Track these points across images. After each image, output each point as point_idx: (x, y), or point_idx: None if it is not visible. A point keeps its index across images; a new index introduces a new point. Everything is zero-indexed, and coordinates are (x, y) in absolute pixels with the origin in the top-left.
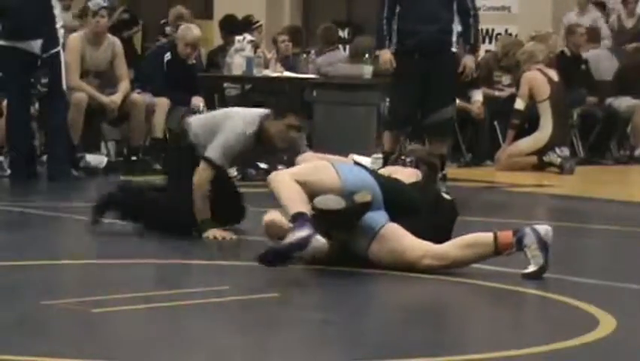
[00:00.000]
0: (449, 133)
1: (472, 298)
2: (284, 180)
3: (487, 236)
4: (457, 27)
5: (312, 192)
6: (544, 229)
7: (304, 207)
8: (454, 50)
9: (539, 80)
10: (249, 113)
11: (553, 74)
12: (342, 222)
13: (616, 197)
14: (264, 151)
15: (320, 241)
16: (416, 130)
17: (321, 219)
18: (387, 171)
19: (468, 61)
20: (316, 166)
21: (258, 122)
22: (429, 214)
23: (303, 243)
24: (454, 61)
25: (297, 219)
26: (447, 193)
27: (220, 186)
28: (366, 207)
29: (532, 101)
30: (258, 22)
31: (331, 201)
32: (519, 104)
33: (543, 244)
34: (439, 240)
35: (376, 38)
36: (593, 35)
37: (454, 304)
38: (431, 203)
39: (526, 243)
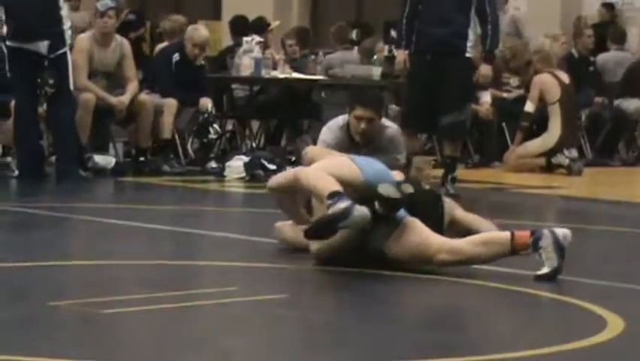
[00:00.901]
0: (460, 136)
1: (482, 299)
2: (312, 171)
3: (504, 235)
4: (473, 32)
5: None
6: (562, 232)
7: (339, 187)
8: (468, 54)
9: (550, 82)
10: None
11: (565, 77)
12: (392, 210)
13: (624, 198)
14: (361, 147)
15: (362, 209)
16: (430, 131)
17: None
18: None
19: (483, 69)
20: (338, 161)
21: (345, 121)
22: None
23: (347, 212)
24: (468, 65)
25: (334, 196)
26: (455, 195)
27: None
28: (409, 198)
29: (542, 103)
30: (270, 24)
31: (391, 190)
32: (529, 107)
33: (559, 247)
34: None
35: (397, 37)
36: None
37: (464, 306)
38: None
39: (542, 245)
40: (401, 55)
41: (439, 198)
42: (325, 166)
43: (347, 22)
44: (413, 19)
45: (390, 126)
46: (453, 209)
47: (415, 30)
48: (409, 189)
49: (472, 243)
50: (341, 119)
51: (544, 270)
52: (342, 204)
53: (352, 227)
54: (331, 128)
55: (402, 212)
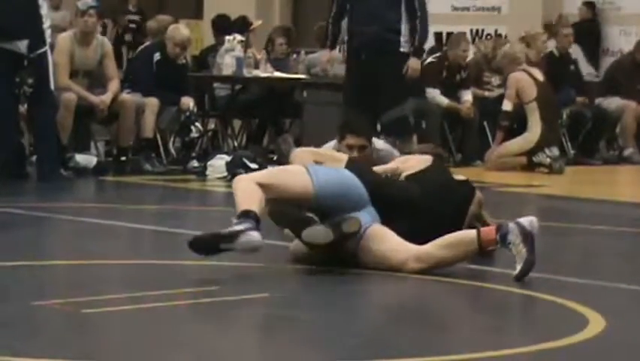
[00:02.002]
0: (406, 131)
1: (461, 298)
2: (241, 182)
3: (470, 234)
4: (406, 27)
5: (279, 194)
6: (527, 221)
7: (254, 207)
8: (403, 49)
9: (525, 81)
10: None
11: (538, 74)
12: (330, 250)
13: (605, 197)
14: None
15: (253, 237)
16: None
17: (309, 246)
18: (398, 161)
19: (412, 63)
20: (287, 170)
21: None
22: (435, 204)
23: (234, 236)
24: (403, 61)
25: (241, 216)
26: None
27: None
28: (355, 234)
29: (519, 102)
30: (253, 23)
31: (320, 235)
32: (506, 106)
33: (526, 236)
34: (451, 228)
35: (323, 37)
36: None
37: (443, 305)
38: (436, 191)
39: (510, 240)
40: (325, 55)
41: (471, 191)
42: (273, 173)
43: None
44: (339, 19)
45: (382, 149)
46: (479, 206)
47: (347, 30)
48: (352, 228)
49: (439, 246)
50: (331, 146)
51: (518, 267)
52: (237, 227)
53: (237, 250)
54: None
55: (368, 218)
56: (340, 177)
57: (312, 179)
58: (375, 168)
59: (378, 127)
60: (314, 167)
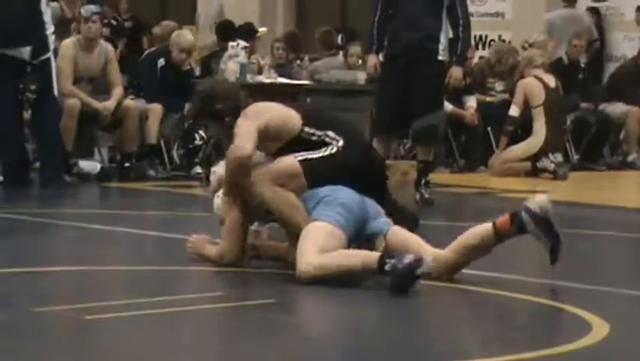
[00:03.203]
0: (434, 140)
1: (467, 303)
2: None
3: (487, 229)
4: (446, 35)
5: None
6: (536, 205)
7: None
8: (440, 58)
9: (534, 86)
10: None
11: (551, 80)
12: None
13: (609, 202)
14: None
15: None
16: (404, 136)
17: None
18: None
19: (454, 72)
20: (320, 234)
21: None
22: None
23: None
24: (440, 69)
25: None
26: (429, 200)
27: None
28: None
29: (526, 107)
30: (258, 30)
31: None
32: (514, 111)
33: (540, 222)
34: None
35: (368, 41)
36: None
37: (449, 311)
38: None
39: (529, 229)
40: (372, 59)
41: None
42: (322, 244)
43: (332, 28)
44: (384, 22)
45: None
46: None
47: (387, 35)
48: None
49: (457, 253)
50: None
51: (547, 254)
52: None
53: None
54: None
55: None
56: (347, 208)
57: (342, 231)
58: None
59: (408, 134)
60: (332, 217)
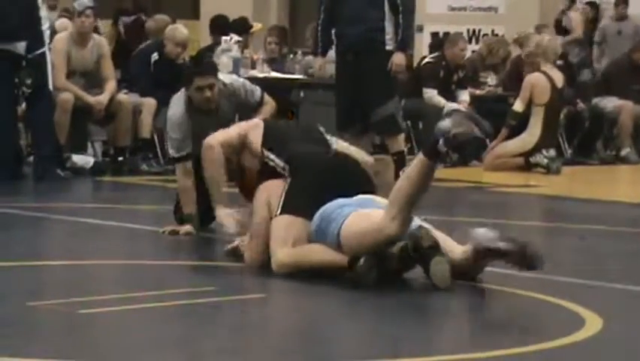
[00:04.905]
0: (395, 129)
1: (457, 298)
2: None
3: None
4: (392, 24)
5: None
6: (481, 235)
7: None
8: (388, 47)
9: (542, 85)
10: (175, 95)
11: (559, 80)
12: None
13: (602, 197)
14: (206, 119)
15: None
16: (366, 129)
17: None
18: None
19: (395, 58)
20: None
21: (184, 98)
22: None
23: None
24: (389, 58)
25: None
26: None
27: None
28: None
29: (528, 102)
30: (253, 26)
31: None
32: (518, 107)
33: (484, 253)
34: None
35: (313, 44)
36: None
37: (439, 305)
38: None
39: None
40: (318, 61)
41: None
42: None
43: None
44: (328, 24)
45: (231, 82)
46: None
47: (335, 33)
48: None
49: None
50: (182, 107)
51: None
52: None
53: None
54: (176, 115)
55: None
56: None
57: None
58: None
59: (368, 126)
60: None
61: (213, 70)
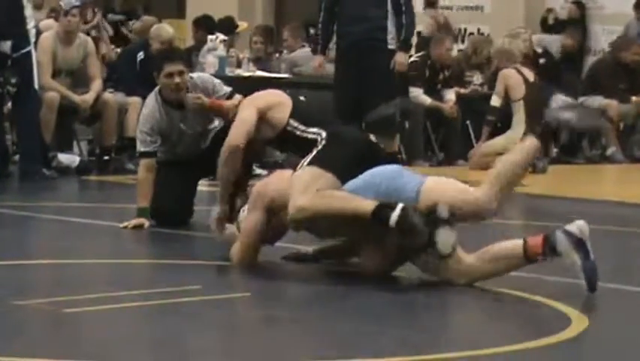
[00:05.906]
0: (390, 130)
1: (446, 297)
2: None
3: (516, 247)
4: (394, 23)
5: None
6: (575, 226)
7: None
8: (391, 47)
9: (515, 79)
10: (150, 94)
11: (530, 75)
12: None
13: (588, 196)
14: (177, 110)
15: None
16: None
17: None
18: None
19: (398, 57)
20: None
21: (156, 93)
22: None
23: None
24: (391, 58)
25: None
26: None
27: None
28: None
29: (506, 99)
30: (238, 25)
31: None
32: (495, 101)
33: (578, 245)
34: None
35: (313, 42)
36: None
37: (428, 303)
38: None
39: (560, 250)
40: (317, 59)
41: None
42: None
43: (310, 21)
44: (329, 23)
45: (198, 76)
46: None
47: (336, 32)
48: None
49: (483, 260)
50: (154, 102)
51: (582, 279)
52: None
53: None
54: (148, 108)
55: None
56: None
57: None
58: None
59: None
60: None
61: (183, 58)
